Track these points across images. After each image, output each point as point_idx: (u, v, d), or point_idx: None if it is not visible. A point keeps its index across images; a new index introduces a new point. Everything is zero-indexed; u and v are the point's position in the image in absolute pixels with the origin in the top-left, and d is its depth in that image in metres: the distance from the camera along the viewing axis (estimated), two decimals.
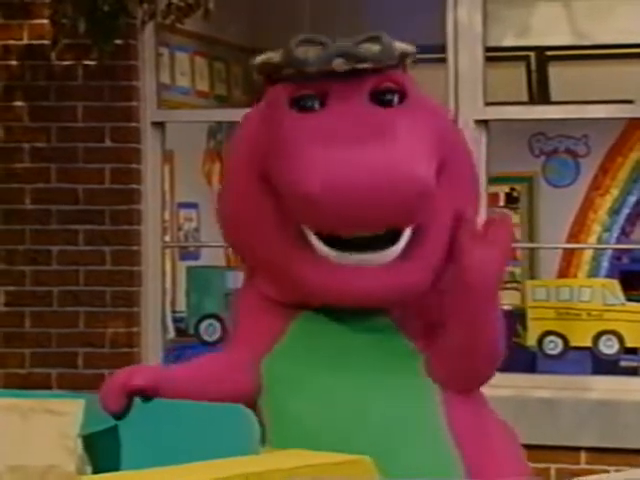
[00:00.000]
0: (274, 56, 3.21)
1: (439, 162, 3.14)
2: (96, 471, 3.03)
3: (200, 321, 5.85)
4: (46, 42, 5.16)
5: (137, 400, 3.09)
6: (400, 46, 3.18)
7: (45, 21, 5.13)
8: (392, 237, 3.10)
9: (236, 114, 6.74)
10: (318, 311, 3.18)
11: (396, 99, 3.17)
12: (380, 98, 3.16)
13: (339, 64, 3.08)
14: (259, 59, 3.25)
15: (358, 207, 3.01)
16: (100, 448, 3.09)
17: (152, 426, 3.10)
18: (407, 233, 3.11)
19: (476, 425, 3.28)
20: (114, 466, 3.07)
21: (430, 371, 3.24)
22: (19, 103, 5.32)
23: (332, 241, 3.11)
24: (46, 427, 3.00)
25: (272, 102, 3.22)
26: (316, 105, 3.15)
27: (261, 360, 3.17)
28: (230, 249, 7.20)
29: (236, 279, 6.15)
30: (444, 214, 3.18)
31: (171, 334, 5.93)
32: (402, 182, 3.02)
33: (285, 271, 3.12)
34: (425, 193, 3.06)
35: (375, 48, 3.12)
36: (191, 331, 5.90)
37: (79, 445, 3.01)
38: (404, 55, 3.18)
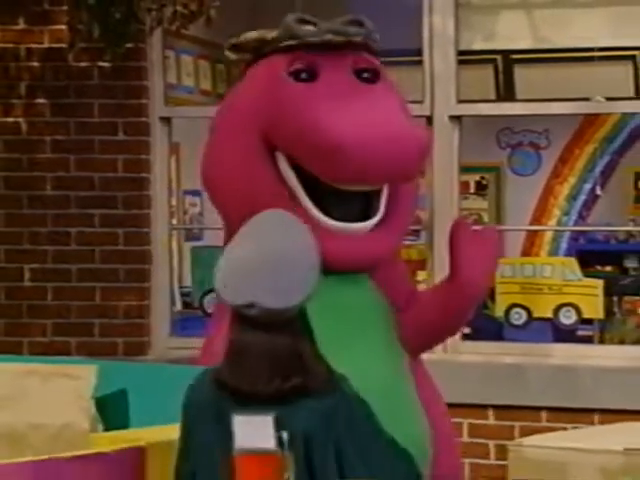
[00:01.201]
0: (266, 33, 3.21)
1: None
2: (107, 429, 3.02)
3: (204, 295, 5.83)
4: (64, 46, 5.13)
5: (143, 366, 3.10)
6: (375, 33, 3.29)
7: (63, 27, 5.10)
8: (364, 206, 3.14)
9: None
10: None
11: (373, 78, 3.22)
12: (360, 75, 3.20)
13: (333, 39, 3.14)
14: (248, 36, 3.23)
15: (378, 158, 3.02)
16: (111, 409, 3.07)
17: (156, 390, 3.08)
18: (381, 204, 3.15)
19: (430, 390, 3.27)
20: (123, 425, 3.05)
21: (400, 334, 3.22)
22: (41, 100, 5.29)
23: (324, 210, 3.09)
24: (63, 390, 2.98)
25: (266, 75, 3.19)
26: (308, 77, 3.16)
27: None
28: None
29: None
30: (409, 188, 3.24)
31: (178, 306, 5.90)
32: (412, 138, 3.07)
33: None
34: (426, 149, 3.12)
35: (361, 30, 3.21)
36: (196, 304, 5.88)
37: (92, 406, 3.00)
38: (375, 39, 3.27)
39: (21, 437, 2.92)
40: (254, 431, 2.45)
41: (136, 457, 2.63)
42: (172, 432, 2.68)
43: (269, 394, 2.51)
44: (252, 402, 2.50)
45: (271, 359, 2.52)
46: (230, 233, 3.21)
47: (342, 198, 3.12)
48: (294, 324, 2.55)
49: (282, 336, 2.53)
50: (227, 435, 2.48)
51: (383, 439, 2.64)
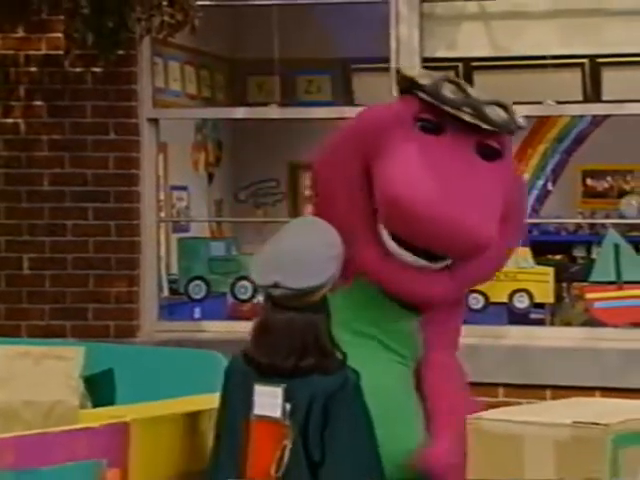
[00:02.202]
0: (423, 79, 3.05)
1: (502, 216, 3.06)
2: (95, 405, 2.98)
3: (189, 282, 5.79)
4: (60, 52, 5.11)
5: (128, 347, 3.06)
6: (519, 119, 3.09)
7: (60, 35, 5.07)
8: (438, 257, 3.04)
9: (219, 112, 6.74)
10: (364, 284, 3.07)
11: (495, 156, 3.08)
12: (483, 150, 3.06)
13: (466, 116, 2.99)
14: (409, 73, 3.10)
15: (428, 230, 2.93)
16: (98, 387, 3.04)
17: (140, 369, 3.04)
18: (449, 259, 3.06)
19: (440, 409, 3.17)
20: (109, 402, 3.02)
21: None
22: (38, 103, 5.25)
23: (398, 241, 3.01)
24: (54, 370, 2.95)
25: (401, 112, 3.07)
26: (437, 131, 3.04)
27: None
28: (216, 223, 7.20)
29: (218, 247, 6.09)
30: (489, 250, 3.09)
31: (165, 293, 5.87)
32: (471, 235, 2.94)
33: (354, 249, 2.97)
34: (486, 248, 2.99)
35: (502, 116, 3.04)
36: (182, 290, 5.84)
37: (81, 384, 2.96)
38: (518, 128, 3.10)
39: (15, 413, 2.88)
40: (267, 400, 2.59)
41: (121, 431, 2.61)
42: (155, 409, 2.64)
43: (285, 369, 2.63)
44: (271, 374, 2.63)
45: (290, 338, 2.65)
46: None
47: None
48: (315, 309, 2.68)
49: (303, 319, 2.66)
50: (249, 403, 2.63)
51: (367, 430, 2.69)
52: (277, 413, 2.60)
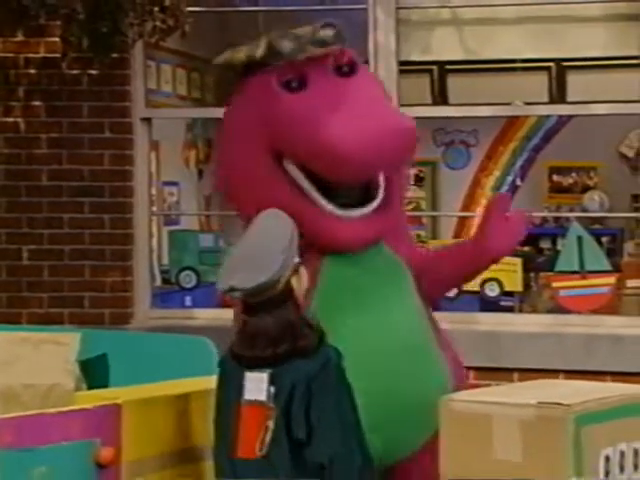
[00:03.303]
0: (253, 51, 3.07)
1: None
2: (90, 388, 2.96)
3: (179, 272, 5.78)
4: (58, 55, 5.06)
5: (121, 333, 3.05)
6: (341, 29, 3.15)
7: (57, 39, 5.01)
8: (368, 197, 3.07)
9: (208, 112, 6.70)
10: (334, 256, 3.06)
11: (352, 70, 3.11)
12: (341, 70, 3.09)
13: (315, 51, 3.02)
14: (237, 56, 3.11)
15: (376, 153, 2.93)
16: (93, 371, 3.02)
17: (133, 354, 3.03)
18: (381, 193, 3.08)
19: (444, 335, 3.24)
20: (103, 384, 3.00)
21: (418, 289, 3.16)
22: (37, 103, 5.21)
23: (331, 199, 3.02)
24: (51, 354, 2.93)
25: (260, 89, 3.07)
26: (299, 85, 3.05)
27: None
28: (205, 217, 7.18)
29: (207, 239, 6.08)
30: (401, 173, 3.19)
31: (157, 282, 5.84)
32: (402, 129, 2.98)
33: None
34: (415, 136, 3.03)
35: (334, 33, 3.09)
36: (173, 280, 5.83)
37: (77, 368, 2.95)
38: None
39: (15, 395, 2.87)
40: (254, 385, 2.63)
41: (114, 412, 2.60)
42: (146, 391, 2.63)
43: (265, 358, 2.66)
44: (256, 364, 2.67)
45: (265, 332, 2.67)
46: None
47: (345, 189, 3.05)
48: (281, 299, 2.68)
49: (272, 312, 2.67)
50: (240, 390, 2.66)
51: (350, 407, 2.71)
52: (263, 396, 2.63)
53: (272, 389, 2.64)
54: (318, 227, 3.00)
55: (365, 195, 3.09)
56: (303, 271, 2.77)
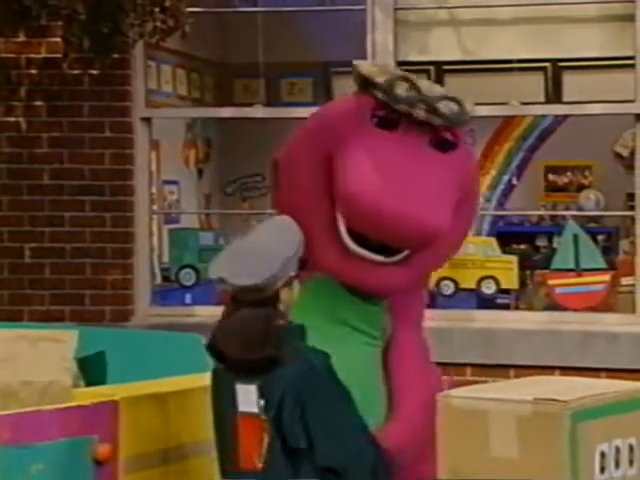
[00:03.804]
0: (378, 77, 2.98)
1: (455, 205, 3.01)
2: (87, 385, 2.94)
3: (180, 270, 5.76)
4: (59, 56, 5.04)
5: (118, 331, 3.02)
6: (470, 110, 3.04)
7: (58, 40, 5.00)
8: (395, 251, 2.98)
9: (208, 112, 6.69)
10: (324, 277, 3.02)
11: (450, 148, 3.03)
12: (438, 143, 3.00)
13: (419, 114, 2.93)
14: (364, 71, 3.01)
15: (381, 225, 2.87)
16: (91, 368, 3.00)
17: (130, 351, 3.01)
18: (402, 254, 3.00)
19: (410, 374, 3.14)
20: (101, 382, 2.98)
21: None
22: (38, 102, 5.20)
23: (356, 239, 2.95)
24: (49, 352, 2.91)
25: (357, 108, 3.00)
26: (391, 126, 2.98)
27: None
28: (205, 215, 7.17)
29: (207, 238, 6.06)
30: (444, 237, 3.03)
31: (158, 280, 5.82)
32: (417, 225, 2.87)
33: (314, 246, 2.91)
34: (434, 236, 2.92)
35: (454, 109, 2.97)
36: (173, 278, 5.81)
37: (74, 365, 2.92)
38: (470, 118, 3.05)
39: (13, 392, 2.84)
40: (246, 397, 2.57)
41: (111, 409, 2.58)
42: (142, 388, 2.61)
43: (247, 362, 2.58)
44: (244, 371, 2.59)
45: (241, 330, 2.60)
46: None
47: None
48: (265, 303, 2.61)
49: (251, 313, 2.60)
50: (234, 399, 2.60)
51: (346, 403, 2.66)
52: (255, 409, 2.59)
53: (261, 402, 2.58)
54: (331, 253, 2.95)
55: (393, 250, 2.99)
56: (296, 285, 2.71)
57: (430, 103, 2.93)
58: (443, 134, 3.01)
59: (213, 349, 2.65)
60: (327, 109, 3.16)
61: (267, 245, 2.66)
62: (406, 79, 2.97)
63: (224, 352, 2.61)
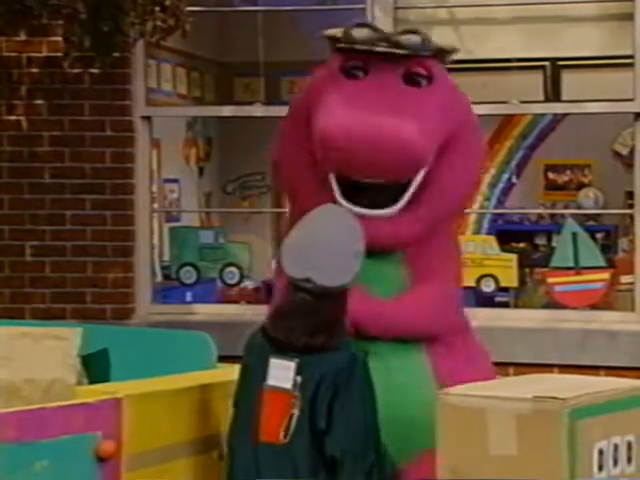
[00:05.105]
0: (337, 32, 3.02)
1: (445, 138, 2.95)
2: (91, 383, 2.95)
3: (180, 268, 5.76)
4: (60, 55, 5.03)
5: (122, 329, 3.03)
6: (437, 42, 3.01)
7: (59, 38, 4.99)
8: (396, 195, 2.94)
9: (208, 111, 6.71)
10: None
11: (424, 82, 2.99)
12: (411, 79, 2.98)
13: (380, 49, 2.93)
14: (328, 32, 3.05)
15: (361, 155, 2.83)
16: (94, 365, 3.01)
17: (134, 349, 3.02)
18: (408, 193, 2.95)
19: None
20: (104, 379, 2.99)
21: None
22: (39, 101, 5.20)
23: (350, 194, 2.91)
24: (52, 349, 2.91)
25: (328, 67, 3.04)
26: (360, 74, 2.98)
27: None
28: (206, 214, 7.18)
29: (207, 236, 6.07)
30: (443, 179, 2.99)
31: (158, 278, 5.83)
32: (396, 146, 2.83)
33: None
34: (412, 159, 2.87)
35: (414, 39, 2.97)
36: (173, 276, 5.81)
37: (78, 363, 2.93)
38: (440, 50, 3.01)
39: (16, 390, 2.85)
40: (280, 372, 2.62)
41: (115, 406, 2.59)
42: (146, 385, 2.62)
43: (298, 346, 2.66)
44: (286, 350, 2.66)
45: (304, 320, 2.66)
46: (291, 211, 3.12)
47: (370, 190, 2.92)
48: (334, 297, 2.68)
49: (319, 304, 2.66)
50: (265, 375, 2.66)
51: (372, 402, 2.71)
52: (288, 385, 2.63)
53: (299, 378, 2.64)
54: None
55: (392, 201, 2.95)
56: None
57: (389, 38, 2.94)
58: (413, 69, 2.98)
59: (265, 331, 2.69)
60: (304, 82, 3.19)
61: (340, 241, 2.71)
62: (365, 25, 3.00)
63: (277, 335, 2.66)
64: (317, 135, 2.89)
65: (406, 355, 2.97)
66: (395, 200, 2.95)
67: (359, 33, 2.96)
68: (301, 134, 3.00)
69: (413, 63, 2.98)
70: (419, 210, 2.98)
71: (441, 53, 3.04)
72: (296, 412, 2.62)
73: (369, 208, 2.93)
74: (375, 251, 2.90)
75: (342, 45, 2.98)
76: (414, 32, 2.99)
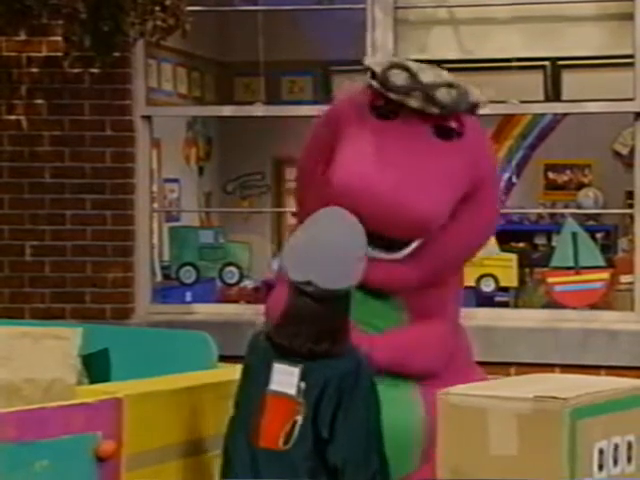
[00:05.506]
0: (376, 67, 2.93)
1: (464, 193, 2.92)
2: (91, 382, 2.95)
3: (180, 268, 5.76)
4: (60, 54, 5.02)
5: (122, 328, 3.02)
6: (473, 96, 2.92)
7: (59, 38, 4.99)
8: (402, 243, 2.92)
9: (208, 110, 6.71)
10: None
11: (455, 136, 2.91)
12: (442, 131, 2.91)
13: (414, 102, 2.84)
14: (367, 62, 2.98)
15: (373, 216, 2.79)
16: (95, 365, 3.01)
17: (134, 349, 3.01)
18: (415, 244, 2.92)
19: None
20: (104, 379, 2.99)
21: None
22: (40, 101, 5.20)
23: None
24: (53, 349, 2.91)
25: (359, 100, 2.96)
26: (391, 115, 2.90)
27: None
28: (205, 213, 7.18)
29: (207, 236, 6.07)
30: (452, 233, 2.96)
31: (158, 278, 5.83)
32: (409, 219, 2.79)
33: None
34: (425, 223, 2.83)
35: (453, 96, 2.87)
36: (173, 275, 5.81)
37: (78, 363, 2.93)
38: (474, 105, 2.93)
39: (16, 390, 2.85)
40: (284, 378, 2.60)
41: (115, 406, 2.59)
42: (146, 385, 2.62)
43: (302, 352, 2.63)
44: (289, 355, 2.63)
45: (309, 326, 2.64)
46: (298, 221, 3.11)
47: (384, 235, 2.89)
48: (337, 302, 2.66)
49: (323, 309, 2.64)
50: (267, 378, 2.63)
51: (376, 410, 2.69)
52: (292, 391, 2.61)
53: (303, 384, 2.61)
54: None
55: (401, 246, 2.93)
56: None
57: (427, 91, 2.83)
58: (446, 122, 2.89)
59: (269, 336, 2.68)
60: (333, 104, 3.14)
61: (344, 245, 2.69)
62: (403, 67, 2.87)
63: (281, 341, 2.64)
64: (335, 177, 2.84)
65: (397, 388, 2.97)
66: (401, 246, 2.92)
67: (396, 77, 2.84)
68: (321, 157, 2.95)
69: (445, 117, 2.89)
70: (423, 259, 2.96)
71: (476, 107, 2.96)
72: (299, 419, 2.60)
73: (376, 248, 2.89)
74: (372, 291, 2.92)
75: (377, 87, 2.89)
76: (453, 86, 2.87)
